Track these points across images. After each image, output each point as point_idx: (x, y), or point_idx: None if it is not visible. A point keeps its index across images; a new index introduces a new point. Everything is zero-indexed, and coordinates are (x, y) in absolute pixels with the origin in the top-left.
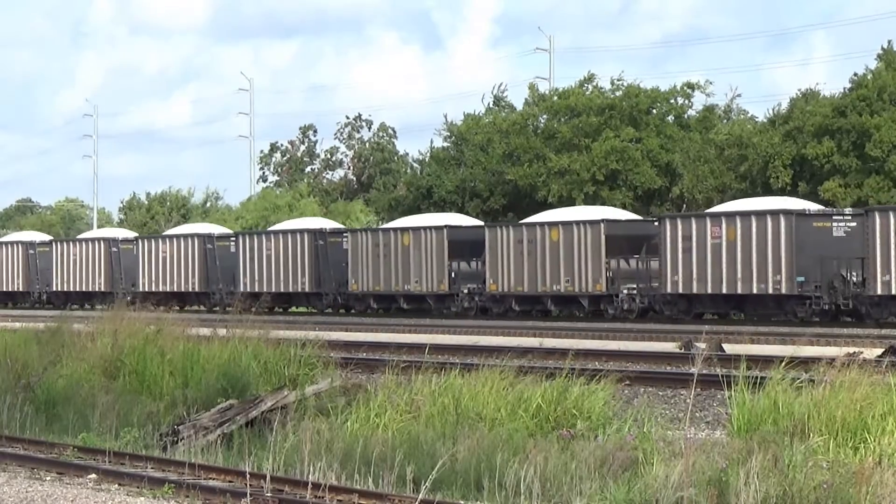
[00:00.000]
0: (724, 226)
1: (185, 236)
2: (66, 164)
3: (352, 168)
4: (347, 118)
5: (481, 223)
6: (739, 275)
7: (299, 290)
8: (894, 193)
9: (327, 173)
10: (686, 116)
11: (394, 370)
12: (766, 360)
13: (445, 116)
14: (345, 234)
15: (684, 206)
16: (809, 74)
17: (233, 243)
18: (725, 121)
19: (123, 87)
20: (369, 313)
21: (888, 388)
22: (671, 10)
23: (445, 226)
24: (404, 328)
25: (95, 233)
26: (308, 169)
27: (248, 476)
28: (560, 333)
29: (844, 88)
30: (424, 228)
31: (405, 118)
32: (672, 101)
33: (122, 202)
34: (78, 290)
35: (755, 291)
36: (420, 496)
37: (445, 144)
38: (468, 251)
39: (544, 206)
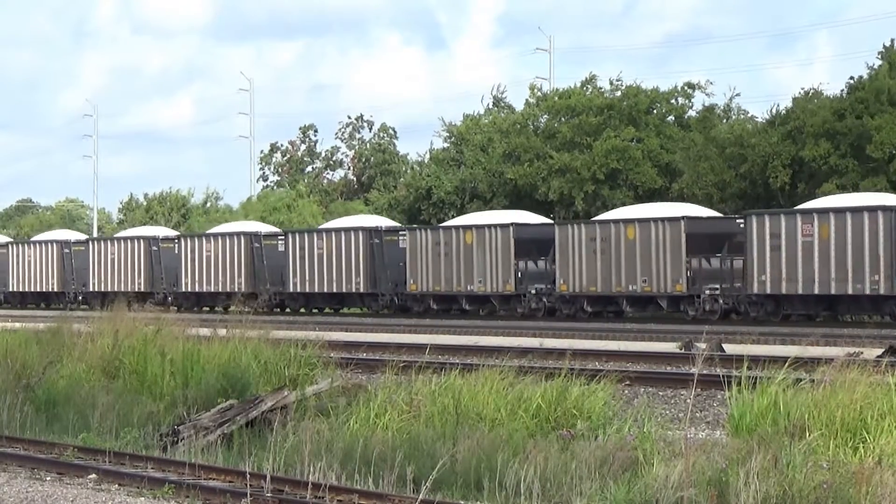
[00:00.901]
0: (816, 223)
1: (232, 234)
2: (67, 165)
3: (352, 168)
4: (349, 118)
5: (548, 220)
6: (833, 275)
7: (353, 290)
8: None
9: (328, 173)
10: (686, 117)
11: (394, 370)
12: (767, 361)
13: (442, 119)
14: (402, 233)
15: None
16: (812, 74)
17: (281, 242)
18: (725, 120)
19: (125, 87)
20: (428, 315)
21: (888, 387)
22: (673, 9)
23: (511, 223)
24: (404, 328)
25: (134, 231)
26: (308, 169)
27: (248, 476)
28: (560, 333)
29: (842, 91)
30: (489, 226)
31: (407, 118)
32: (672, 101)
33: (120, 203)
34: (115, 290)
35: (850, 292)
36: (420, 496)
37: (445, 145)
38: (535, 250)
39: (544, 204)
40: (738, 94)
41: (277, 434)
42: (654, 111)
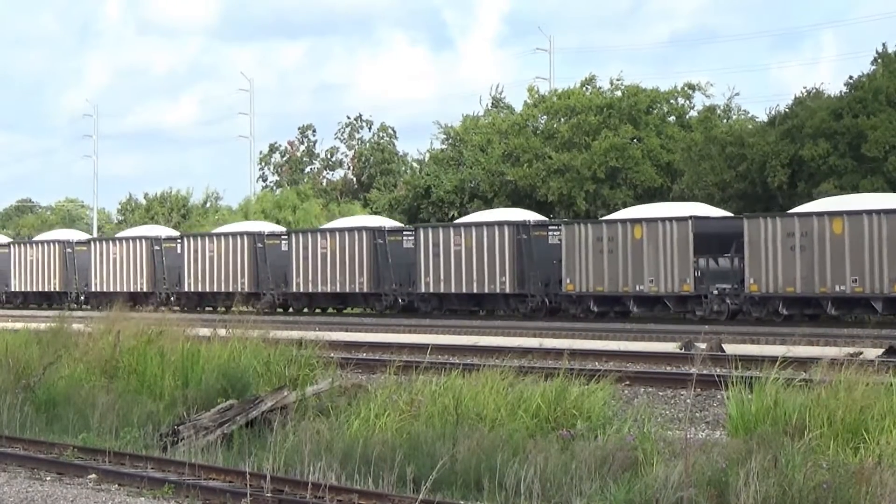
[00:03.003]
0: None
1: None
2: (69, 164)
3: (352, 168)
4: (348, 118)
5: (730, 214)
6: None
7: (497, 290)
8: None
9: (327, 173)
10: (686, 117)
11: (394, 370)
12: (767, 361)
13: (439, 122)
14: (553, 227)
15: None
16: (818, 74)
17: (408, 237)
18: (725, 120)
19: (130, 88)
20: (586, 318)
21: (888, 388)
22: (680, 9)
23: (691, 216)
24: (404, 328)
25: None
26: (308, 169)
27: (248, 476)
28: (560, 334)
29: (841, 91)
30: (663, 220)
31: (413, 118)
32: (672, 101)
33: (119, 203)
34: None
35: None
36: (420, 496)
37: (443, 147)
38: (717, 246)
39: (545, 205)
40: (737, 94)
41: (277, 434)
42: (655, 111)
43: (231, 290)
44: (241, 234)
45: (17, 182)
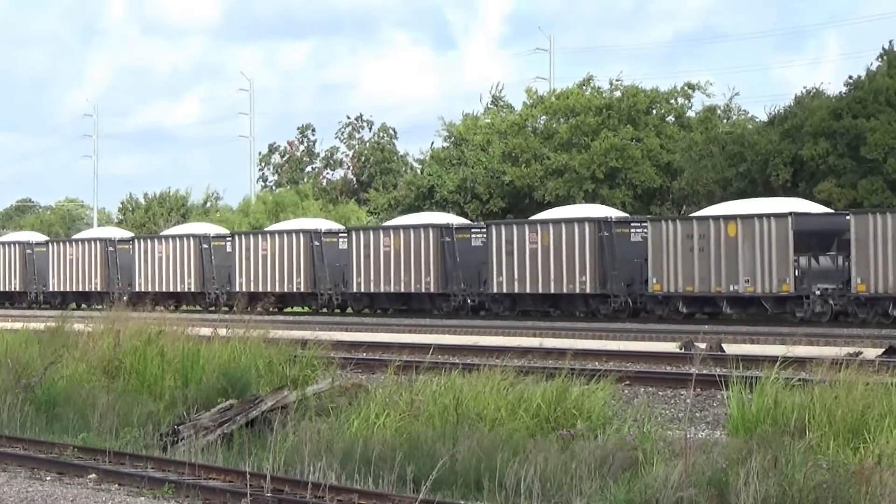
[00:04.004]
0: None
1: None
2: (71, 164)
3: (352, 168)
4: (348, 118)
5: (830, 210)
6: None
7: (576, 291)
8: (888, 195)
9: (327, 173)
10: (686, 117)
11: (394, 370)
12: (767, 360)
13: (443, 119)
14: (636, 224)
15: (684, 204)
16: (822, 74)
17: (477, 235)
18: (726, 121)
19: (133, 87)
20: (672, 319)
21: (888, 388)
22: (684, 9)
23: (790, 213)
24: (404, 328)
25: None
26: (308, 169)
27: (248, 476)
28: (560, 334)
29: (841, 92)
30: (759, 216)
31: (416, 118)
32: (672, 101)
33: (120, 202)
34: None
35: None
36: (420, 496)
37: (445, 144)
38: (818, 244)
39: (543, 206)
40: (737, 94)
41: (277, 434)
42: (654, 111)
43: (286, 290)
44: (298, 231)
45: (19, 182)
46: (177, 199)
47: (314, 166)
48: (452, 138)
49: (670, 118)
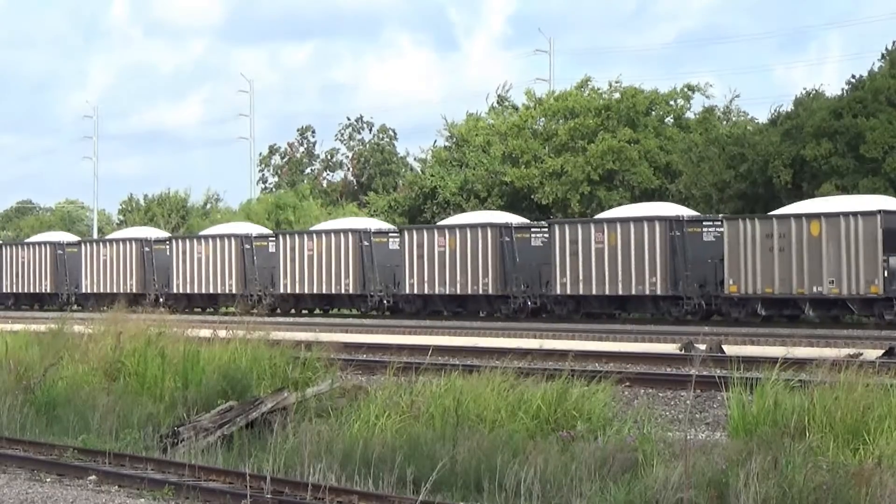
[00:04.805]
0: None
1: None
2: (71, 166)
3: (351, 169)
4: (348, 119)
5: None
6: None
7: (645, 292)
8: (891, 194)
9: (327, 174)
10: (684, 118)
11: (394, 372)
12: (767, 362)
13: (445, 118)
14: (709, 223)
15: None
16: (823, 75)
17: (537, 234)
18: (725, 122)
19: (136, 89)
20: (749, 322)
21: (888, 389)
22: (687, 10)
23: (879, 210)
24: (404, 329)
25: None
26: (308, 170)
27: (248, 477)
28: (560, 335)
29: (843, 91)
30: (845, 214)
31: (419, 119)
32: (671, 102)
33: (120, 204)
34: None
35: None
36: (420, 497)
37: (447, 144)
38: None
39: (542, 207)
40: (737, 96)
41: (277, 435)
42: (653, 113)
43: (333, 291)
44: (346, 231)
45: (21, 183)
46: (176, 201)
47: (314, 168)
48: (454, 139)
49: (669, 119)
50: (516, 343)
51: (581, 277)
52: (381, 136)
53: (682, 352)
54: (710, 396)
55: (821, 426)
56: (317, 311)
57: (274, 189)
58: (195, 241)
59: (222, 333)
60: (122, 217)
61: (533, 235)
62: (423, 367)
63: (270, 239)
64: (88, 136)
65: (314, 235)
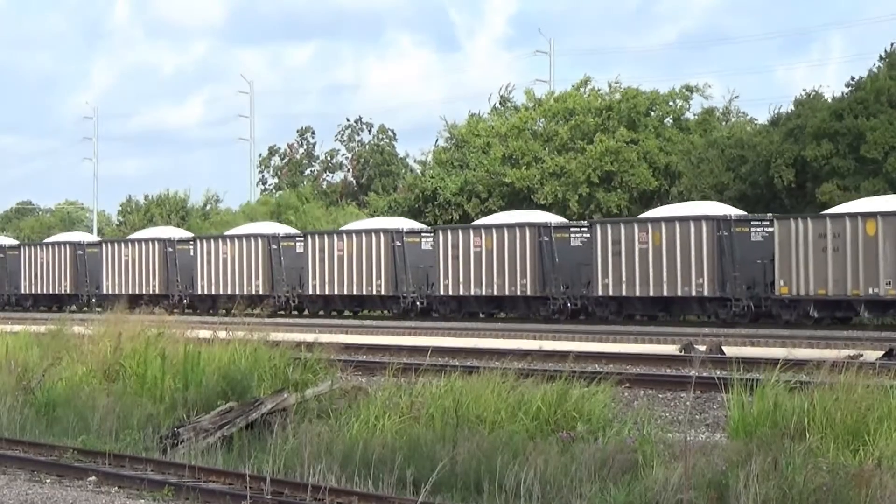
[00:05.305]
0: None
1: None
2: (72, 166)
3: (351, 170)
4: (347, 120)
5: None
6: None
7: (692, 294)
8: (891, 195)
9: (327, 175)
10: (683, 119)
11: (394, 373)
12: (767, 363)
13: (445, 119)
14: (757, 223)
15: None
16: (825, 76)
17: (577, 234)
18: (724, 123)
19: (137, 89)
20: (800, 325)
21: (887, 390)
22: (688, 11)
23: None
24: (405, 330)
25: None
26: (307, 171)
27: (248, 478)
28: (560, 336)
29: (843, 92)
30: None
31: (421, 120)
32: (671, 103)
33: (120, 205)
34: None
35: None
36: (420, 498)
37: (446, 145)
38: None
39: (542, 208)
40: (737, 97)
41: (277, 436)
42: (653, 113)
43: (364, 292)
44: (377, 230)
45: (22, 184)
46: (176, 202)
47: (313, 169)
48: (454, 140)
49: (668, 120)
50: (516, 344)
51: (624, 278)
52: (380, 136)
53: (682, 353)
54: (710, 398)
55: (821, 427)
56: (346, 312)
57: (274, 190)
58: (220, 241)
59: (222, 334)
60: (121, 218)
61: (572, 235)
62: (423, 368)
63: (298, 239)
64: (89, 137)
65: (344, 235)
